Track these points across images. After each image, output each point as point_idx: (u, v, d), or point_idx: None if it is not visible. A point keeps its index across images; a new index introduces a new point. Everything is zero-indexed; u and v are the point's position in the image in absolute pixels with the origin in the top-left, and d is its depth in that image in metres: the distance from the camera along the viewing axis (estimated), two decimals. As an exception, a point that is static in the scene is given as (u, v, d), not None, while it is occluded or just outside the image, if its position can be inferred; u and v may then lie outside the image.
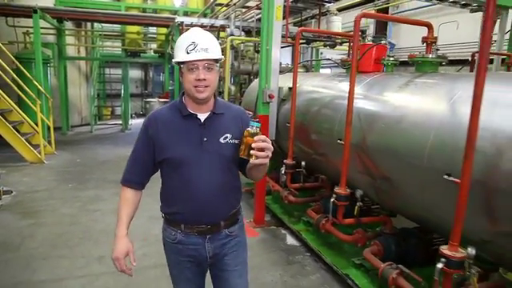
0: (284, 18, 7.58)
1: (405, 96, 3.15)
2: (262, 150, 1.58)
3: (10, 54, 8.34)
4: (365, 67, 4.11)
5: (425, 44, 3.44)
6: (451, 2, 6.25)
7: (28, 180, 6.68)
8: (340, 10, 10.32)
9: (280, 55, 4.67)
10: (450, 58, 3.73)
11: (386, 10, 10.54)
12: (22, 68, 8.44)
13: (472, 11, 6.43)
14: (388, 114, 3.12)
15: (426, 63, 3.34)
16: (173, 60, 1.76)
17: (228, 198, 1.88)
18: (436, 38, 3.35)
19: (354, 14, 10.16)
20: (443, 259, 2.23)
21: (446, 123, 2.46)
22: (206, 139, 1.77)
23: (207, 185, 1.78)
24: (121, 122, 13.56)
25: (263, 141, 1.58)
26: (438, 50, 3.33)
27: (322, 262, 3.99)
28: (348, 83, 3.36)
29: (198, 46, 1.65)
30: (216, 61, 1.72)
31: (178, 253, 1.91)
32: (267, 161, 1.64)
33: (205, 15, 11.33)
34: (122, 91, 13.70)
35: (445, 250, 2.24)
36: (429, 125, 2.61)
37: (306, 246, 4.37)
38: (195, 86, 1.69)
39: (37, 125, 8.15)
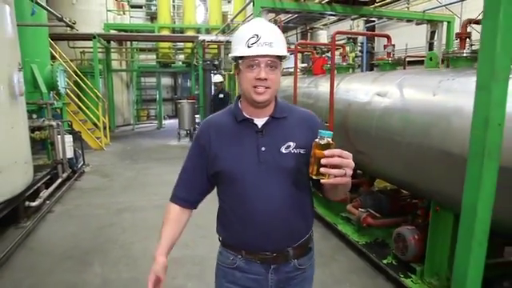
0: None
1: (325, 85, 5.49)
2: (336, 166, 1.21)
3: (75, 68, 11.17)
4: (316, 71, 6.49)
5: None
6: (398, 20, 8.46)
7: (97, 159, 9.40)
8: (331, 22, 12.66)
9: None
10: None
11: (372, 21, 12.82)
12: (84, 79, 11.19)
13: (417, 24, 8.61)
14: (315, 95, 5.53)
15: (341, 68, 5.68)
16: (229, 55, 1.51)
17: (295, 221, 1.54)
18: (347, 52, 5.68)
19: (343, 26, 12.47)
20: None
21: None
22: (263, 149, 1.47)
23: (267, 204, 1.47)
24: (156, 122, 16.37)
25: (339, 156, 1.21)
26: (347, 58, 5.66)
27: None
28: (304, 80, 5.79)
29: (261, 39, 1.38)
30: (280, 58, 1.43)
31: (233, 281, 1.59)
32: (346, 180, 1.24)
33: (223, 31, 13.47)
34: (157, 96, 16.46)
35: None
36: (327, 99, 4.96)
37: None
38: (254, 86, 1.40)
39: (98, 122, 10.90)
